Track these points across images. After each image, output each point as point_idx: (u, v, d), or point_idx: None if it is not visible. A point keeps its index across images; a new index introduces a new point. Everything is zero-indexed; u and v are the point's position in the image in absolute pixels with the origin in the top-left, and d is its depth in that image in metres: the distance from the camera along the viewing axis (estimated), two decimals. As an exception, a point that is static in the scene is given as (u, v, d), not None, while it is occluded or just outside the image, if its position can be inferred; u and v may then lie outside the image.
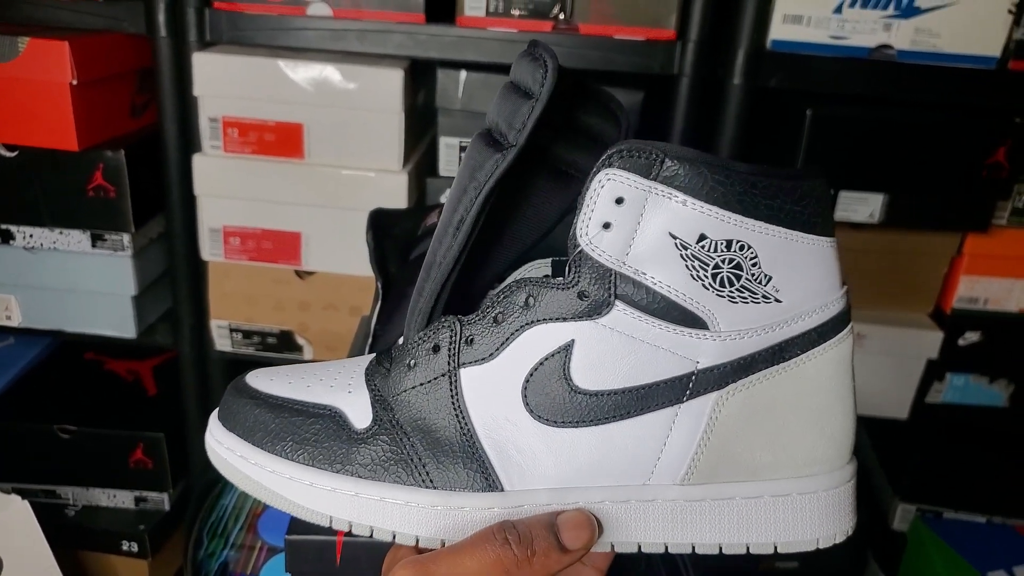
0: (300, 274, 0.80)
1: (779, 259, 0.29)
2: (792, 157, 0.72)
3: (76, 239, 0.77)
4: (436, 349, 0.32)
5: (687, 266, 0.29)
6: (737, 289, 0.29)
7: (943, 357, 0.80)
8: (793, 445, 0.30)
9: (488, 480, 0.31)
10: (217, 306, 0.81)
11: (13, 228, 0.77)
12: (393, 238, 0.56)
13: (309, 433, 0.32)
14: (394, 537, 0.31)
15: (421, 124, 0.82)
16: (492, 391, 0.31)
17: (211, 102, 0.73)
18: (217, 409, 0.35)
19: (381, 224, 0.56)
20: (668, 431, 0.30)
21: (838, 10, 0.67)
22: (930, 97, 0.70)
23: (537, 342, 0.30)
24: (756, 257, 0.29)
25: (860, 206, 0.74)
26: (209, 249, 0.78)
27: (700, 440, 0.30)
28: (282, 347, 0.82)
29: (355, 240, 0.75)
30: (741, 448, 0.30)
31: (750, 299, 0.29)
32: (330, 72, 0.71)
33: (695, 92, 0.71)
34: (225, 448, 0.33)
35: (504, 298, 0.31)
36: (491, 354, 0.31)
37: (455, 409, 0.31)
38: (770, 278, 0.29)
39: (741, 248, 0.29)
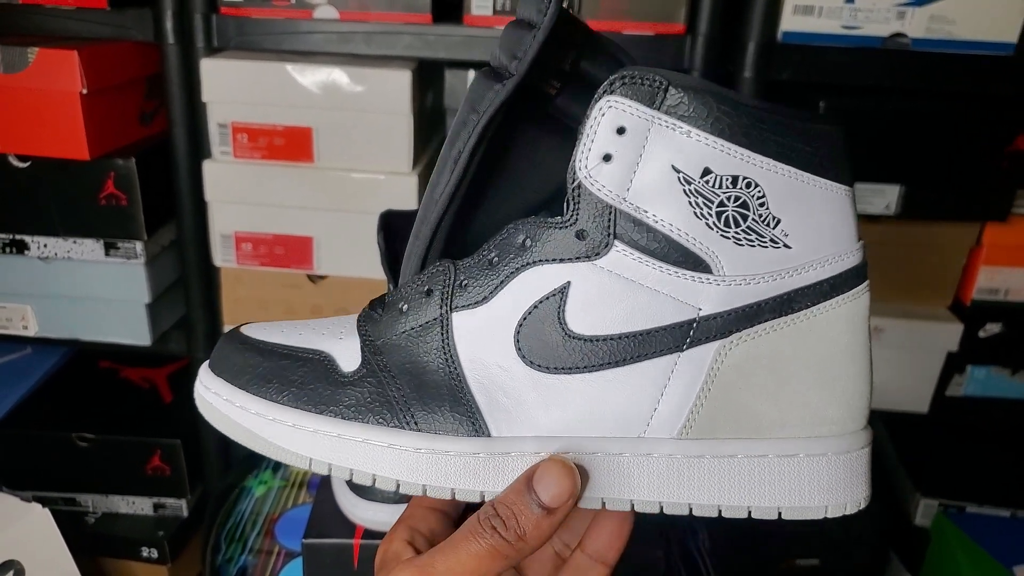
0: (312, 278, 0.80)
1: (788, 201, 0.27)
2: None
3: (89, 248, 0.77)
4: (429, 293, 0.31)
5: (690, 203, 0.27)
6: (743, 230, 0.28)
7: (963, 349, 0.79)
8: (801, 402, 0.29)
9: (475, 425, 0.30)
10: (230, 312, 0.81)
11: (27, 238, 0.77)
12: (405, 240, 0.56)
13: (296, 376, 0.31)
14: (374, 480, 0.30)
15: (430, 125, 0.82)
16: (483, 335, 0.30)
17: (220, 108, 0.73)
18: (208, 360, 0.34)
19: (392, 226, 0.55)
20: (666, 381, 0.29)
21: (850, -1, 0.66)
22: (946, 86, 0.68)
23: (532, 284, 0.29)
24: (764, 197, 0.27)
25: (876, 198, 0.73)
26: (221, 255, 0.78)
27: (700, 391, 0.29)
28: (296, 351, 0.82)
29: (366, 243, 0.75)
30: (744, 401, 0.29)
31: (756, 242, 0.28)
32: (338, 75, 0.71)
33: (706, 86, 0.70)
34: (212, 393, 0.32)
35: (500, 240, 0.30)
36: (484, 298, 0.30)
37: (445, 353, 0.30)
38: (778, 221, 0.28)
39: (748, 185, 0.27)
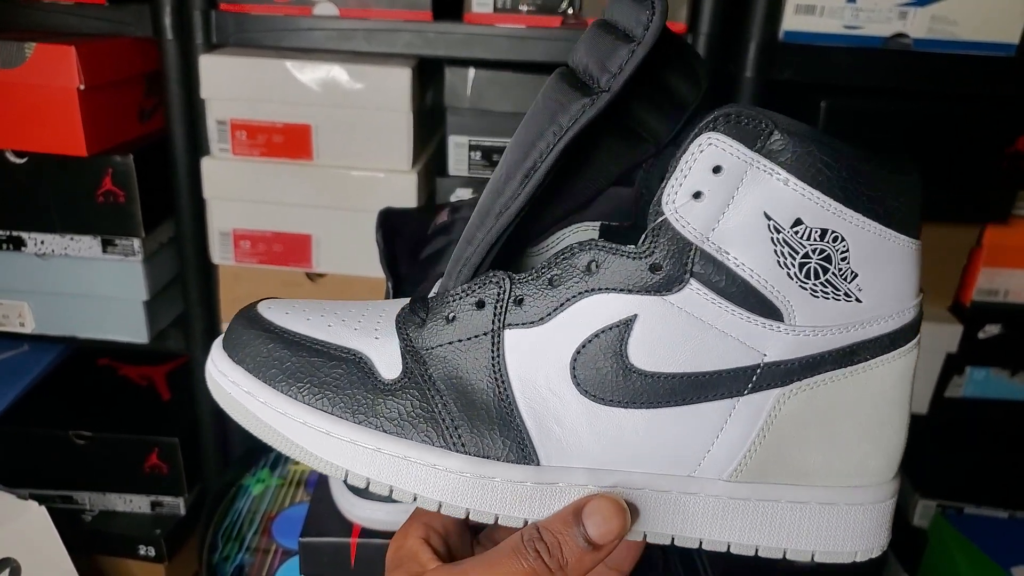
0: (311, 276, 0.80)
1: (869, 257, 0.27)
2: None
3: (87, 245, 0.77)
4: (480, 305, 0.30)
5: (776, 251, 0.27)
6: (822, 283, 0.27)
7: (962, 351, 0.78)
8: (847, 453, 0.29)
9: (523, 452, 0.29)
10: (228, 310, 0.81)
11: (25, 235, 0.77)
12: (403, 238, 0.55)
13: (330, 377, 0.30)
14: (415, 499, 0.29)
15: (430, 123, 0.81)
16: (537, 358, 0.29)
17: (219, 105, 0.72)
18: (221, 337, 0.32)
19: (391, 224, 0.55)
20: (723, 424, 0.29)
21: (852, -1, 0.66)
22: (947, 86, 0.68)
23: (595, 312, 0.28)
24: (847, 252, 0.27)
25: (876, 198, 0.73)
26: (219, 253, 0.78)
27: (756, 437, 0.29)
28: (294, 350, 0.82)
29: (365, 241, 0.75)
30: (795, 450, 0.29)
31: (831, 295, 0.28)
32: (337, 72, 0.70)
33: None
34: (229, 382, 0.30)
35: (563, 259, 0.29)
36: (541, 318, 0.29)
37: (495, 372, 0.29)
38: (856, 275, 0.28)
39: (835, 240, 0.27)
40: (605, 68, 0.27)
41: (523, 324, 0.29)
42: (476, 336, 0.29)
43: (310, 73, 0.70)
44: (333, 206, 0.75)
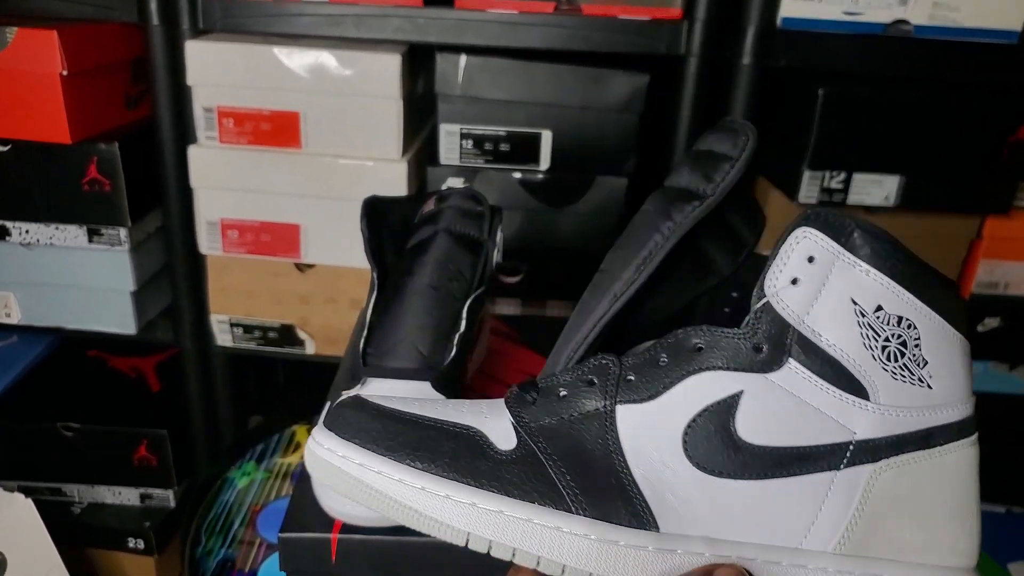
0: (300, 267, 0.79)
1: (936, 346, 0.31)
2: (804, 139, 0.70)
3: (73, 234, 0.75)
4: (591, 383, 0.32)
5: (862, 333, 0.30)
6: (900, 366, 0.31)
7: (962, 344, 0.78)
8: (939, 531, 0.31)
9: (642, 519, 0.31)
10: (217, 301, 0.80)
11: (9, 224, 0.76)
12: (389, 227, 0.54)
13: (446, 447, 0.31)
14: (539, 563, 0.30)
15: (420, 111, 0.80)
16: (650, 432, 0.31)
17: (206, 91, 0.71)
18: (321, 422, 0.34)
19: (377, 212, 0.54)
20: (825, 496, 0.31)
21: (851, -15, 0.64)
22: (948, 74, 0.67)
23: (703, 389, 0.31)
24: (919, 339, 0.30)
25: (875, 189, 0.71)
26: (207, 243, 0.77)
27: (855, 509, 0.31)
28: (283, 341, 0.81)
29: (354, 232, 0.73)
30: (893, 524, 0.31)
31: (908, 379, 0.31)
32: (326, 58, 0.69)
33: (703, 73, 0.68)
34: (339, 456, 0.31)
35: (670, 343, 0.32)
36: (651, 395, 0.31)
37: (610, 446, 0.31)
38: (926, 362, 0.31)
39: (909, 327, 0.30)
40: (710, 179, 0.33)
41: (634, 400, 0.32)
42: (588, 412, 0.32)
43: (298, 59, 0.69)
44: (322, 195, 0.74)
